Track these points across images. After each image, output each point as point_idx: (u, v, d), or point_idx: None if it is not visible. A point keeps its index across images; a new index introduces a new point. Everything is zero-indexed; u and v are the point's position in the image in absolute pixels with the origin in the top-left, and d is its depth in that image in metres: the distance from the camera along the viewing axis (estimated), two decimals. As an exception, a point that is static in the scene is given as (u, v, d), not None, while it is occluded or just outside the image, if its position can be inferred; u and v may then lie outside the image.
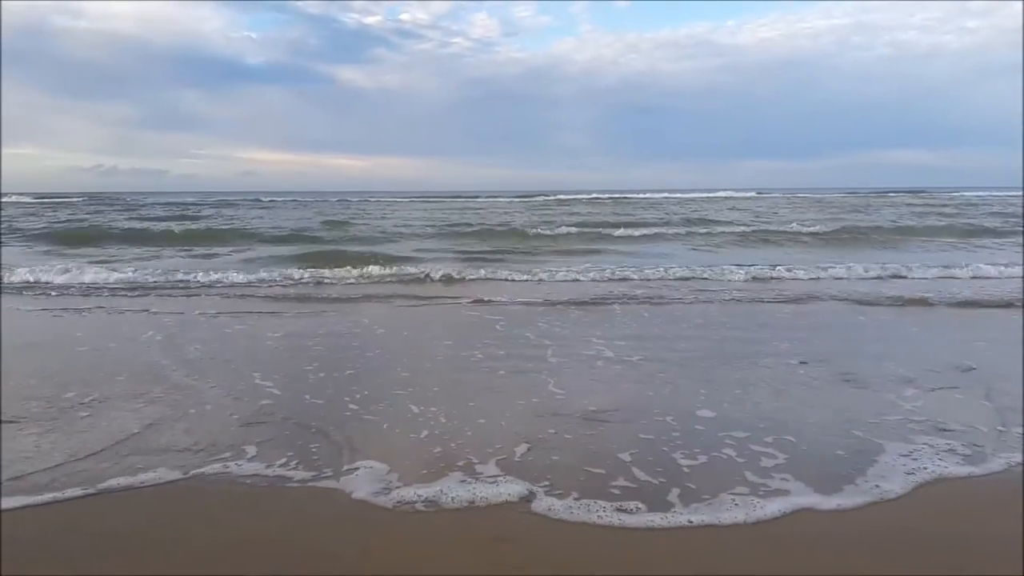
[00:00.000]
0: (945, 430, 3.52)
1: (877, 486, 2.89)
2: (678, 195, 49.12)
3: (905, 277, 9.74)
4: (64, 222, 22.15)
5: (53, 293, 8.54)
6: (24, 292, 8.62)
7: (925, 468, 3.06)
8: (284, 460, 3.18)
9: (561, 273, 9.98)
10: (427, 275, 9.87)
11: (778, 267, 10.27)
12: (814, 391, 4.25)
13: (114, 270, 10.09)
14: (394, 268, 10.26)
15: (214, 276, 9.62)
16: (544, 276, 9.78)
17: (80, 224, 21.34)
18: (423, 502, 2.78)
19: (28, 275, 9.51)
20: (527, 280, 9.58)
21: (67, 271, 9.86)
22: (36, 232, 18.00)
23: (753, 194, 52.16)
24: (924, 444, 3.33)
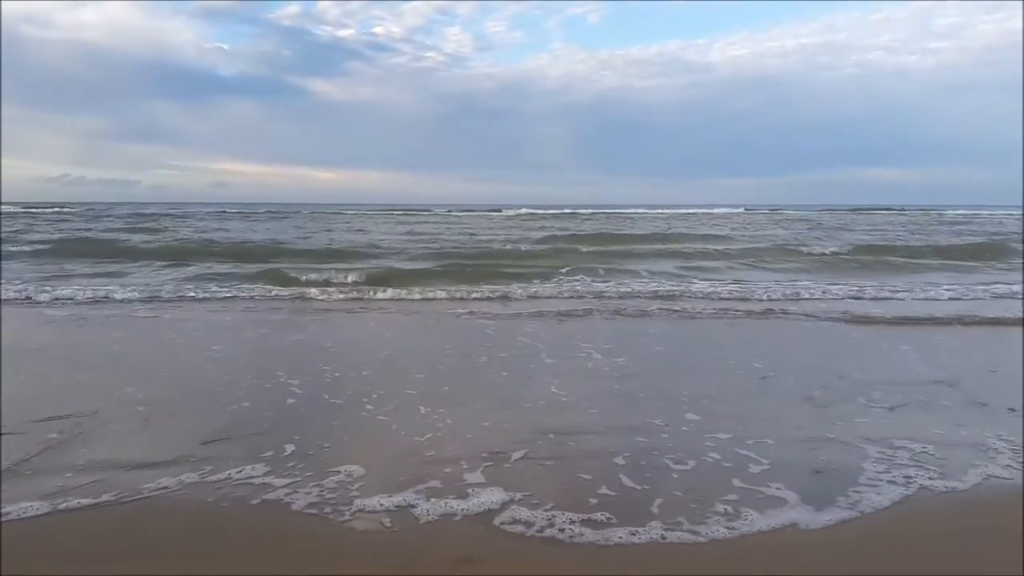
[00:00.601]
0: None
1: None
2: (662, 210, 49.37)
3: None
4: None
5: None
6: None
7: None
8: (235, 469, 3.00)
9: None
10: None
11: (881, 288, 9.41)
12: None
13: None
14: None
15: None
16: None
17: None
18: (388, 515, 2.63)
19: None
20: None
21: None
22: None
23: (741, 210, 52.63)
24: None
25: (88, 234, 21.18)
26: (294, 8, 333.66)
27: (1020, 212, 40.66)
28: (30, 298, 8.55)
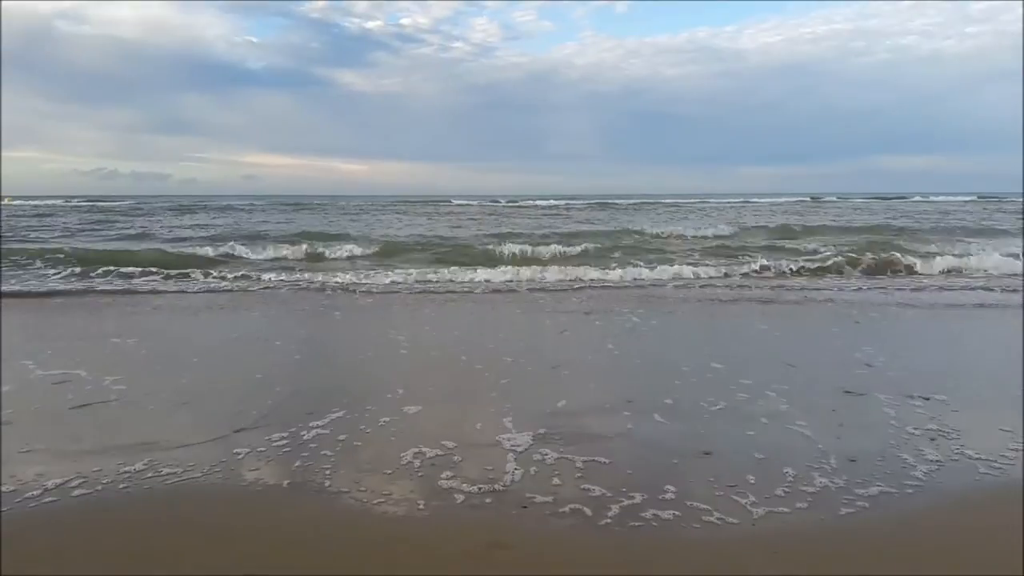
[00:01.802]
0: None
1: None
2: (715, 200, 47.49)
3: None
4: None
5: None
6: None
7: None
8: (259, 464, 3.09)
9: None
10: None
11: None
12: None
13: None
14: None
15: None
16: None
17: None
18: (419, 498, 2.69)
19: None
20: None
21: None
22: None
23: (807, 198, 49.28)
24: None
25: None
26: (323, 1, 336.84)
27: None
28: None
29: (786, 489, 2.81)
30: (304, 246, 13.37)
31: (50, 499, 2.74)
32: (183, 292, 8.79)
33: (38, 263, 11.01)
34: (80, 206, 36.26)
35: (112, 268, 10.29)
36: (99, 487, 2.85)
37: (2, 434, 3.46)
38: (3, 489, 2.81)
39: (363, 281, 9.63)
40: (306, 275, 10.17)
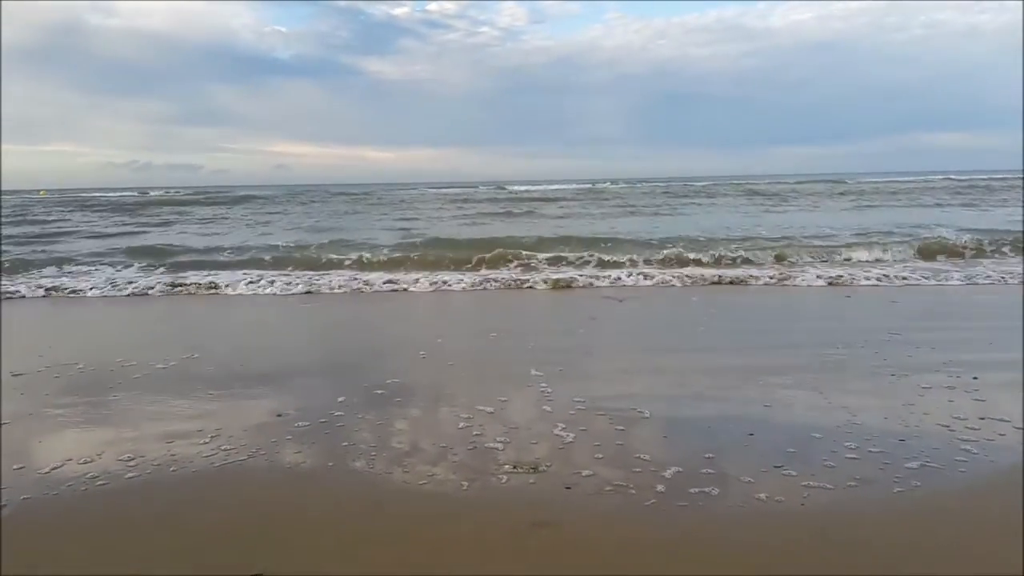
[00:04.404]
0: None
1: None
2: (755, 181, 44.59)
3: None
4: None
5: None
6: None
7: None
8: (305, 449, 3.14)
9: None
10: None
11: None
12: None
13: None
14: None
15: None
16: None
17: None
18: (464, 476, 2.71)
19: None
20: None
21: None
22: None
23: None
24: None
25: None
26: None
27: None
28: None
29: (830, 465, 2.77)
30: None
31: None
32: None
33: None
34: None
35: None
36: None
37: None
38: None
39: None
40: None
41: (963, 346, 4.68)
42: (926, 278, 8.04)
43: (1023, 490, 2.58)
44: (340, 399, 3.75)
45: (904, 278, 8.01)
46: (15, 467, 2.96)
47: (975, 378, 3.89)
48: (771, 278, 8.17)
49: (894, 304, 6.59)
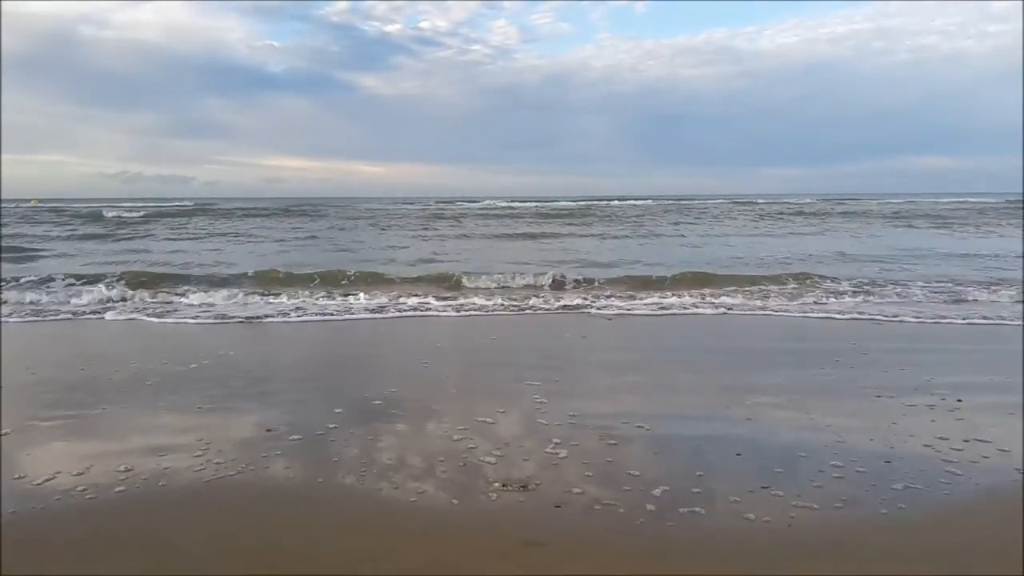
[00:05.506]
0: None
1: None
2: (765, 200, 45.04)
3: None
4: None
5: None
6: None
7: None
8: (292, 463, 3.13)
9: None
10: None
11: None
12: None
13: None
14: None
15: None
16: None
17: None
18: (455, 493, 2.72)
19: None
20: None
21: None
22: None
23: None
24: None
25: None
26: (343, 4, 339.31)
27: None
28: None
29: (817, 485, 2.80)
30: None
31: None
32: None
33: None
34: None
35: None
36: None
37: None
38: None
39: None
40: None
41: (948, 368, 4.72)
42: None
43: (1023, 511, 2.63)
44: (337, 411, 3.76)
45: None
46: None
47: (959, 400, 3.95)
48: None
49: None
